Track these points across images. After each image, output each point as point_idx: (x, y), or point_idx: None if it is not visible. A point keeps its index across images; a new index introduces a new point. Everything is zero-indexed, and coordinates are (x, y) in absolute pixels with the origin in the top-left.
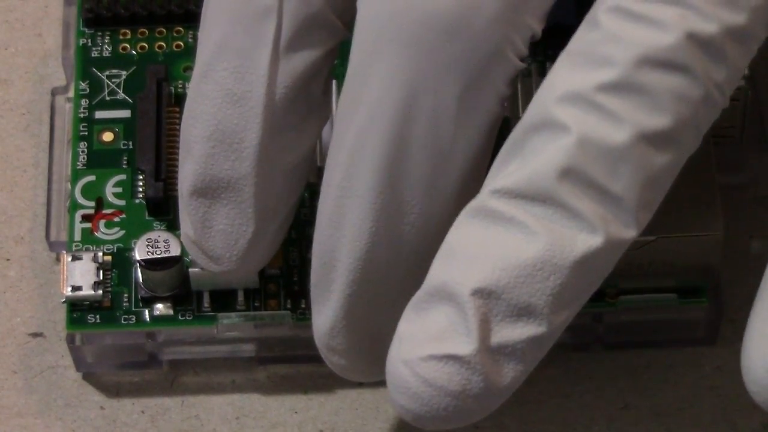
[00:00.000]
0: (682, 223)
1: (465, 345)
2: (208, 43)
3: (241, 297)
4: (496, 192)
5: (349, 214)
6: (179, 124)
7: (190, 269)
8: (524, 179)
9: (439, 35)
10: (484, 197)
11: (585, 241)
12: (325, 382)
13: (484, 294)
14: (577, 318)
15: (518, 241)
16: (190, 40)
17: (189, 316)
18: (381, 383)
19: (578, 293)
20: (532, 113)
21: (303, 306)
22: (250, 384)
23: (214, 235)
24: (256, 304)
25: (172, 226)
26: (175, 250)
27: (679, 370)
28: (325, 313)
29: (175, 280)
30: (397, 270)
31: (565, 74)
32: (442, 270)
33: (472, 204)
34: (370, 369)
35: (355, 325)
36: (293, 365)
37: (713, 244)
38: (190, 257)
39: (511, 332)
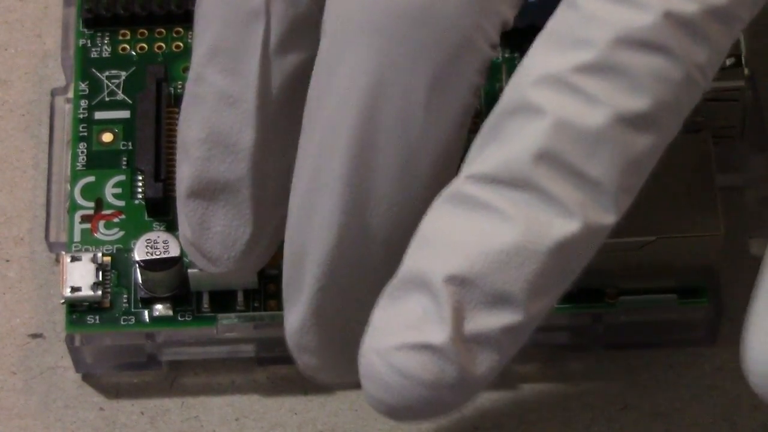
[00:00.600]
0: (681, 224)
1: (438, 333)
2: (201, 46)
3: (240, 297)
4: (471, 177)
5: (318, 207)
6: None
7: (189, 270)
8: (499, 164)
9: (407, 23)
10: (459, 183)
11: (562, 226)
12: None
13: (458, 281)
14: (576, 318)
15: (493, 227)
16: (189, 40)
17: (188, 317)
18: None
19: (556, 280)
20: (508, 97)
21: None
22: (250, 385)
23: (212, 236)
24: (255, 305)
25: (172, 227)
26: (174, 251)
27: (678, 370)
28: (296, 310)
29: (174, 280)
30: (368, 263)
31: (542, 56)
32: (415, 257)
33: (447, 190)
34: (342, 368)
35: (326, 321)
36: (293, 366)
37: (713, 245)
38: (188, 258)
39: (486, 320)
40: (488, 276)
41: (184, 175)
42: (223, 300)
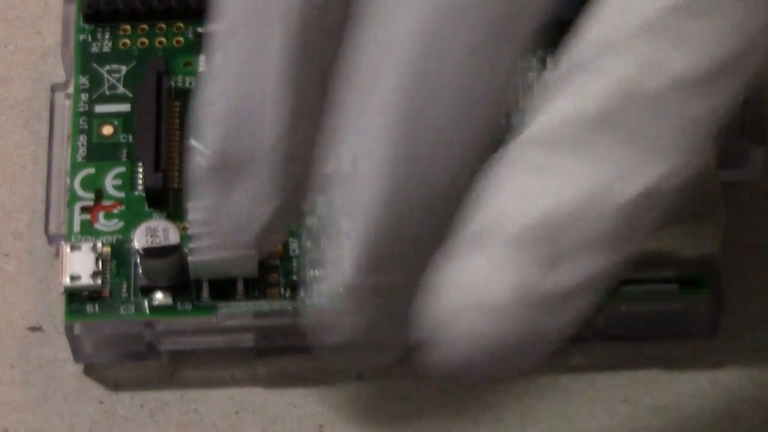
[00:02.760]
0: (683, 215)
1: (508, 291)
2: (225, 13)
3: (240, 287)
4: (531, 139)
5: (365, 171)
6: (179, 117)
7: (189, 258)
8: (561, 124)
9: None
10: (520, 143)
11: (633, 181)
12: (326, 376)
13: (526, 238)
14: None
15: (559, 185)
16: (190, 35)
17: (188, 306)
18: (381, 377)
19: (637, 230)
20: (568, 57)
21: (303, 296)
22: (250, 378)
23: (227, 216)
24: (255, 294)
25: (172, 218)
26: (174, 239)
27: (679, 364)
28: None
29: (174, 269)
30: (420, 224)
31: (600, 19)
32: (480, 215)
33: (507, 151)
34: (388, 330)
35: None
36: (293, 360)
37: (714, 236)
38: (190, 246)
39: (555, 277)
40: (557, 232)
41: (203, 149)
42: (223, 289)
